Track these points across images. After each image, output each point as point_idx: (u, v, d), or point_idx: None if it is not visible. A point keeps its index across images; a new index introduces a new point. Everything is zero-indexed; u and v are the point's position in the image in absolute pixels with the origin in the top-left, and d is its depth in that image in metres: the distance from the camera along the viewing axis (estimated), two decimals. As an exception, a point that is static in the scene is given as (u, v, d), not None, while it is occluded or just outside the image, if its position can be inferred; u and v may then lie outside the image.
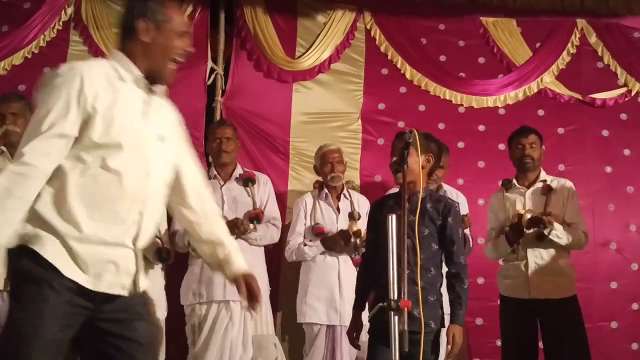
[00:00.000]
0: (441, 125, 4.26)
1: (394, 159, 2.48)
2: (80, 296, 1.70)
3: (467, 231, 3.46)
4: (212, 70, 4.34)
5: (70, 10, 4.29)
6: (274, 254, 3.76)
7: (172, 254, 3.41)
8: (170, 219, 3.56)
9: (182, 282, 3.49)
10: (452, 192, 3.53)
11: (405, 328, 2.02)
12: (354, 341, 2.64)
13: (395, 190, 2.98)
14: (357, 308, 2.65)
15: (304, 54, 4.39)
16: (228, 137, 3.53)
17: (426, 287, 2.46)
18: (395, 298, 2.03)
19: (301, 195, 3.81)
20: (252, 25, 4.38)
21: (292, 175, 4.17)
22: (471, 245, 3.54)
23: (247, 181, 3.54)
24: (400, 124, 4.27)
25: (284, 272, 3.93)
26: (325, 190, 3.63)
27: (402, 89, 4.42)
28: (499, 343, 3.79)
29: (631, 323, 4.09)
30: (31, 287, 1.65)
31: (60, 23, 4.26)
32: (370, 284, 2.61)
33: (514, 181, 3.41)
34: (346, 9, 4.46)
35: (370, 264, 2.62)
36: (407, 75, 4.42)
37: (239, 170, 3.61)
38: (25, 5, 4.30)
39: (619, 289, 4.08)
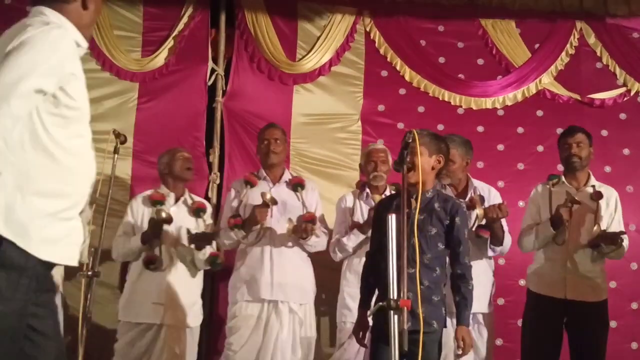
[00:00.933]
0: (440, 127, 4.26)
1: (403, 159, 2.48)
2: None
3: (503, 221, 3.29)
4: (213, 70, 4.35)
5: (71, 12, 4.29)
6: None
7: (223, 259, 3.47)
8: (216, 218, 3.60)
9: (230, 280, 3.50)
10: (483, 188, 3.42)
11: (405, 327, 2.01)
12: (360, 341, 2.63)
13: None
14: (362, 307, 2.64)
15: (304, 56, 4.40)
16: (276, 138, 3.52)
17: (431, 286, 2.46)
18: (395, 297, 2.02)
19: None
20: (253, 28, 4.39)
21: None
22: (510, 239, 3.38)
23: (296, 186, 3.53)
24: (400, 125, 4.28)
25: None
26: (367, 190, 3.58)
27: (402, 91, 4.43)
28: (499, 342, 3.81)
29: (630, 322, 4.09)
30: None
31: (62, 25, 4.27)
32: (374, 283, 2.61)
33: (563, 179, 3.37)
34: (346, 11, 4.47)
35: (376, 263, 2.59)
36: (407, 77, 4.43)
37: (287, 175, 3.60)
38: (28, 8, 4.30)
39: (618, 289, 4.07)
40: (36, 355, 1.68)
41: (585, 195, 3.27)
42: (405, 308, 2.02)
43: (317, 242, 3.45)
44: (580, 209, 3.21)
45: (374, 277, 2.61)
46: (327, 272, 3.64)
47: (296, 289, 3.38)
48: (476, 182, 3.43)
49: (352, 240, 3.44)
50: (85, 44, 1.85)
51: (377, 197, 3.43)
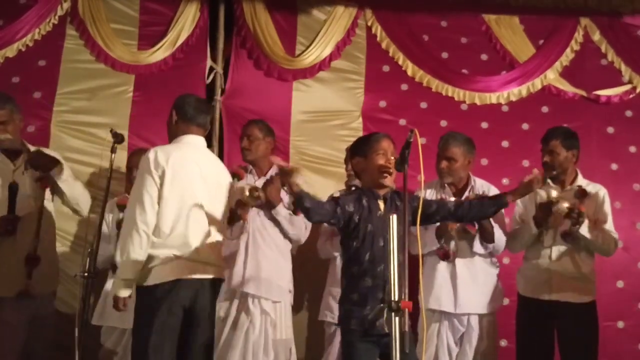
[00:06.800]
0: (443, 123, 4.21)
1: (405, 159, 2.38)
2: None
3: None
4: (212, 69, 4.29)
5: (66, 5, 4.25)
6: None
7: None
8: None
9: None
10: (483, 185, 3.36)
11: (406, 329, 1.98)
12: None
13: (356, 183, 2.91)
14: None
15: (304, 51, 4.34)
16: (249, 134, 3.50)
17: None
18: (397, 299, 1.99)
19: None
20: (252, 24, 4.34)
21: (293, 174, 4.11)
22: (504, 238, 3.30)
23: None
24: (402, 122, 4.22)
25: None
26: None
27: (404, 86, 4.37)
28: (503, 343, 3.75)
29: (638, 323, 4.03)
30: None
31: (56, 17, 4.22)
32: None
33: (548, 180, 3.29)
34: (347, 5, 4.42)
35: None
36: (409, 72, 4.37)
37: (274, 169, 3.47)
38: (22, 0, 4.27)
39: (626, 289, 4.03)
40: None
41: (570, 194, 3.19)
42: (407, 309, 1.98)
43: (295, 219, 3.32)
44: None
45: None
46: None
47: (269, 283, 3.28)
48: (477, 180, 3.39)
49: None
50: None
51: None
